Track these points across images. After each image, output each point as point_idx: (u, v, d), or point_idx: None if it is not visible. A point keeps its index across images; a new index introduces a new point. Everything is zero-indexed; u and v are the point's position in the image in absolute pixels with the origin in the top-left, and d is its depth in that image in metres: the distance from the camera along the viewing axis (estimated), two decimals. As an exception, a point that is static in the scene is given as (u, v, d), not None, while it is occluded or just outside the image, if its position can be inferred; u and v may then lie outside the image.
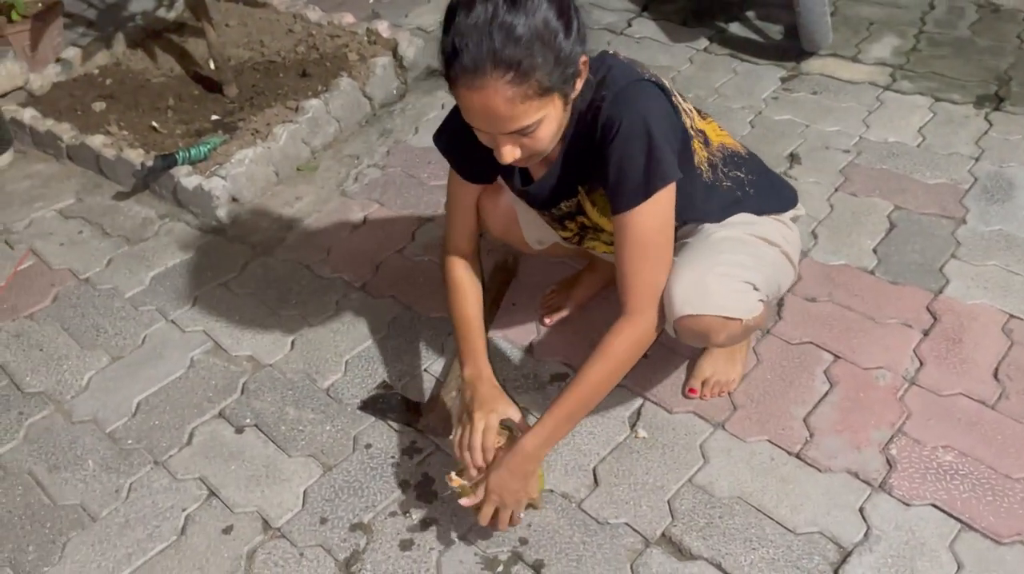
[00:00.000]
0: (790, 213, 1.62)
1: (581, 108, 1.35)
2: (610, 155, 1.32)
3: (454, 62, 1.19)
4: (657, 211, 1.33)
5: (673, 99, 1.38)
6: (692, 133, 1.44)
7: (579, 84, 1.29)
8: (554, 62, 1.19)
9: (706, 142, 1.49)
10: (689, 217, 1.51)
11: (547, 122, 1.25)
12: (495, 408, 1.46)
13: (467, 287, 1.61)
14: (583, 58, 1.26)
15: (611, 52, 1.40)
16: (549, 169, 1.45)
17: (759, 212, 1.56)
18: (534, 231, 1.71)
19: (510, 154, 1.28)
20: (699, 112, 1.55)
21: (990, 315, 1.84)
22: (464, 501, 1.43)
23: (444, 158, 1.55)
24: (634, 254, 1.36)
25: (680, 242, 1.52)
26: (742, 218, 1.54)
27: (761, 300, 1.47)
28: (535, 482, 1.43)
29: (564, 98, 1.27)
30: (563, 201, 1.51)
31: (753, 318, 1.46)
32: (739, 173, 1.55)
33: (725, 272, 1.42)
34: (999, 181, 2.22)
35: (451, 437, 1.52)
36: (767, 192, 1.59)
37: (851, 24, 2.95)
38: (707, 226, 1.53)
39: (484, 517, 1.41)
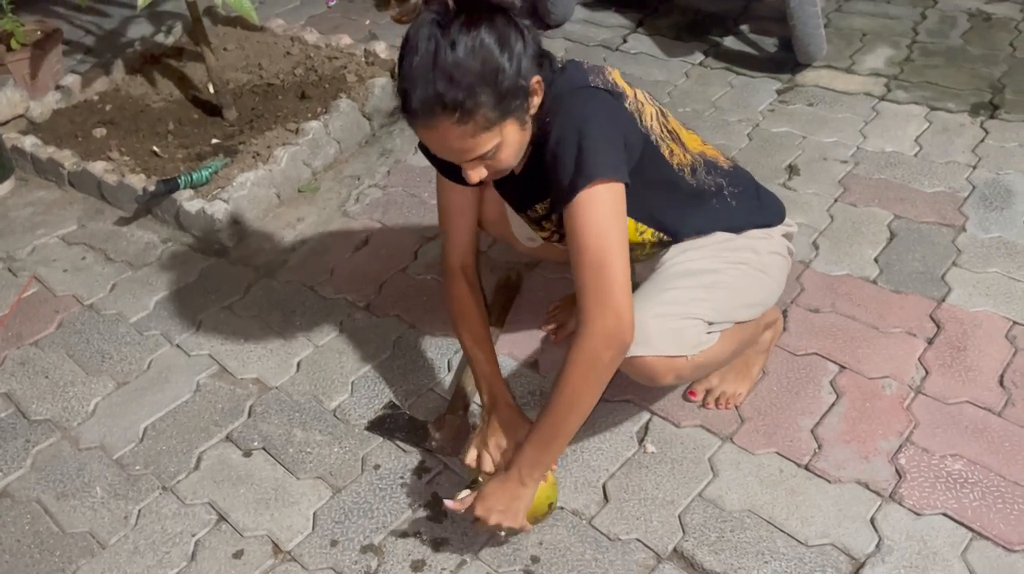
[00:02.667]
0: (779, 228, 1.61)
1: (540, 116, 1.36)
2: (547, 159, 1.33)
3: (405, 105, 1.25)
4: (591, 211, 1.28)
5: (628, 103, 1.37)
6: (662, 137, 1.43)
7: (536, 101, 1.31)
8: (498, 97, 1.23)
9: (684, 147, 1.49)
10: (670, 220, 1.50)
11: (505, 145, 1.29)
12: (509, 435, 1.49)
13: (470, 310, 1.61)
14: (535, 79, 1.28)
15: (575, 61, 1.40)
16: (521, 173, 1.45)
17: (741, 226, 1.55)
18: (523, 228, 1.72)
19: (476, 175, 1.33)
20: (681, 124, 1.55)
21: (993, 322, 1.85)
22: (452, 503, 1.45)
23: (432, 165, 1.56)
24: (576, 261, 1.30)
25: (638, 279, 1.52)
26: (716, 238, 1.53)
27: (712, 332, 1.45)
28: (522, 504, 1.41)
29: (519, 120, 1.29)
30: (537, 203, 1.52)
31: (702, 352, 1.43)
32: (722, 181, 1.54)
33: (664, 312, 1.40)
34: (997, 188, 2.23)
35: (467, 459, 1.52)
36: (751, 206, 1.58)
37: (844, 35, 2.98)
38: (667, 256, 1.52)
39: (467, 507, 1.44)
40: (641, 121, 1.39)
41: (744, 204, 1.56)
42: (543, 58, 1.33)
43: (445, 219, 1.62)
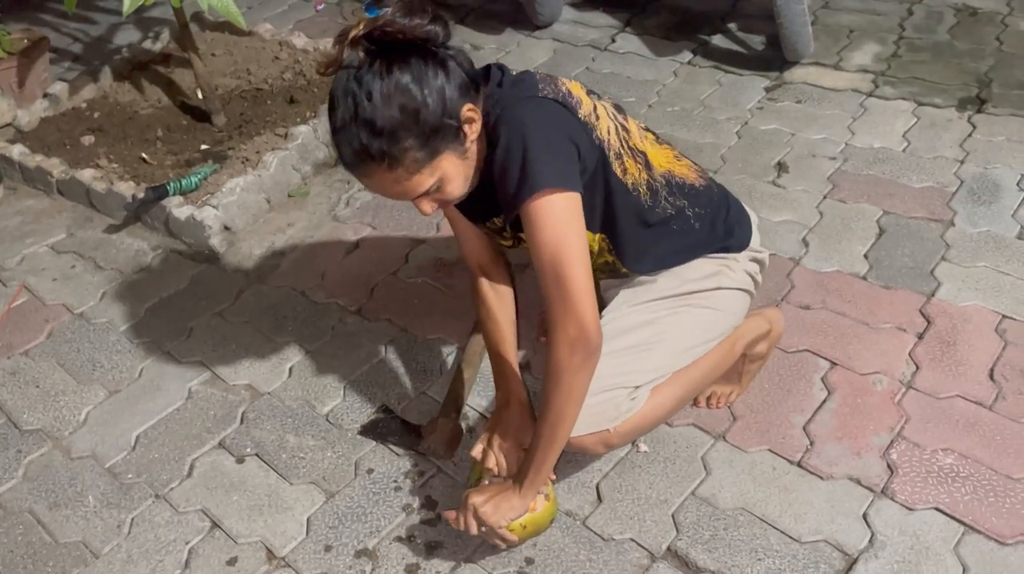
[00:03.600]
0: (745, 254, 1.58)
1: (489, 131, 1.34)
2: (496, 171, 1.32)
3: (341, 159, 1.27)
4: (542, 221, 1.27)
5: (581, 114, 1.35)
6: (618, 153, 1.40)
7: (475, 127, 1.30)
8: (423, 138, 1.23)
9: (647, 165, 1.45)
10: (622, 240, 1.48)
11: (447, 179, 1.29)
12: (514, 435, 1.48)
13: (492, 307, 1.60)
14: (466, 107, 1.26)
15: (530, 72, 1.38)
16: (475, 187, 1.42)
17: (696, 252, 1.52)
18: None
19: (429, 207, 1.33)
20: (656, 137, 1.52)
21: (983, 316, 1.86)
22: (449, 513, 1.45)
23: None
24: (536, 272, 1.29)
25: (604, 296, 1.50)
26: (663, 285, 1.50)
27: (636, 398, 1.42)
28: (510, 508, 1.40)
29: (456, 152, 1.28)
30: (494, 216, 1.51)
31: (627, 420, 1.41)
32: (684, 202, 1.50)
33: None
34: (985, 183, 2.24)
35: (473, 451, 1.51)
36: (717, 229, 1.54)
37: (831, 32, 2.99)
38: (604, 311, 1.50)
39: (453, 518, 1.44)
40: (596, 133, 1.37)
41: (707, 227, 1.52)
42: (485, 76, 1.32)
43: (452, 225, 1.62)
